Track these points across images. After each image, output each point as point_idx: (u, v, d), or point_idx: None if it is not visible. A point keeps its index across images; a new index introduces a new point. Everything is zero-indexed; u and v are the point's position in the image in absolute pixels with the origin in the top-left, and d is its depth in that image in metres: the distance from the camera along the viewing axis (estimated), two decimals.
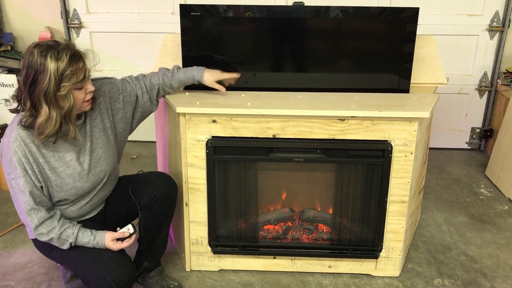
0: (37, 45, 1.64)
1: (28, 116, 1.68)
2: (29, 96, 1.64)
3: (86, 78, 1.70)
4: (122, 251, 1.86)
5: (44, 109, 1.63)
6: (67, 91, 1.64)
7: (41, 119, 1.64)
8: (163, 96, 2.15)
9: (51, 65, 1.60)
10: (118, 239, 1.83)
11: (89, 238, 1.80)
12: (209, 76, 2.09)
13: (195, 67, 2.12)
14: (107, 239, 1.81)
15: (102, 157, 1.90)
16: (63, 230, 1.79)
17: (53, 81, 1.60)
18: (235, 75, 2.16)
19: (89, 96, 1.76)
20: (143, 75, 2.08)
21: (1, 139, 1.78)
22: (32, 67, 1.61)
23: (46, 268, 2.36)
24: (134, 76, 2.07)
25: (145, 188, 2.02)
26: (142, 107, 2.05)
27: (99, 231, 1.83)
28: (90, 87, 1.75)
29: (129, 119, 2.02)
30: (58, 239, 1.79)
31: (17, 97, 1.72)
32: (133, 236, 1.86)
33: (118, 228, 1.87)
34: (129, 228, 1.85)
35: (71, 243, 1.80)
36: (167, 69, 2.12)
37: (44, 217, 1.76)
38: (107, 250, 1.82)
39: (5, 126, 3.25)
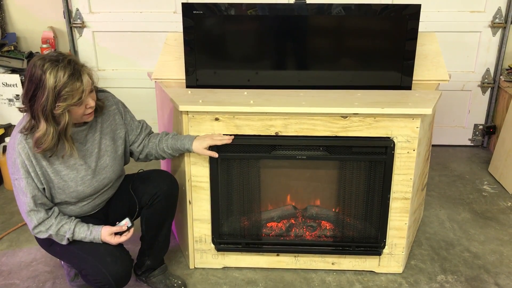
0: (40, 59, 1.65)
1: (29, 126, 1.70)
2: (30, 109, 1.67)
3: (83, 98, 1.67)
4: (120, 245, 1.86)
5: (42, 124, 1.65)
6: (62, 110, 1.64)
7: (38, 133, 1.66)
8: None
9: (49, 82, 1.60)
10: (116, 233, 1.84)
11: (85, 233, 1.81)
12: (199, 144, 2.01)
13: (188, 135, 2.06)
14: (104, 234, 1.82)
15: (109, 165, 1.92)
16: (60, 227, 1.80)
17: (50, 98, 1.61)
18: (226, 139, 2.02)
19: (89, 111, 1.75)
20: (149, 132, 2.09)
21: (8, 139, 1.79)
22: (33, 81, 1.63)
23: (51, 266, 2.37)
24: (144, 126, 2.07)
25: (146, 186, 2.02)
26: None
27: (95, 226, 1.83)
28: (91, 103, 1.73)
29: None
30: (56, 235, 1.81)
31: (23, 102, 1.73)
32: (131, 230, 1.87)
33: (116, 222, 1.88)
34: (126, 222, 1.86)
35: (68, 239, 1.81)
36: (167, 133, 2.09)
37: (43, 218, 1.78)
38: (104, 244, 1.83)
39: (8, 126, 3.26)
